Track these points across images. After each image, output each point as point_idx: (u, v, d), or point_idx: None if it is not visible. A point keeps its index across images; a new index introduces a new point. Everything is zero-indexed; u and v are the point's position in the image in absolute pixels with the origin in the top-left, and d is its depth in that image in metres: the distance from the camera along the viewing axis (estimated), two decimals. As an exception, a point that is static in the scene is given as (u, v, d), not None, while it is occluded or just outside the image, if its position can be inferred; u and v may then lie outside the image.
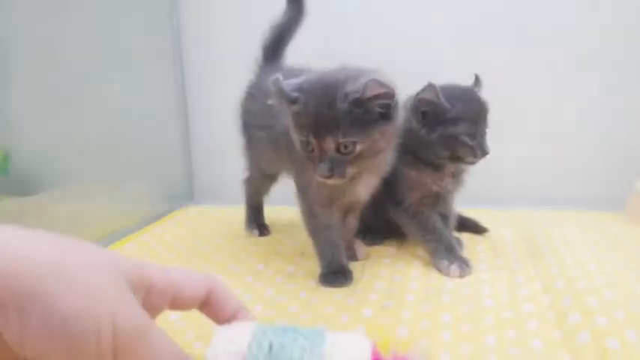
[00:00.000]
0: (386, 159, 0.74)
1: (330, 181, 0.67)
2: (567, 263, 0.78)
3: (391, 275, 0.78)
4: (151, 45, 1.31)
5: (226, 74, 1.32)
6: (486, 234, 0.98)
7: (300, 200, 0.81)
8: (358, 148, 0.65)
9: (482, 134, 0.79)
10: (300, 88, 0.66)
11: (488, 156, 0.79)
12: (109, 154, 1.21)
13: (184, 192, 1.39)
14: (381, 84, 0.63)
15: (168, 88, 1.34)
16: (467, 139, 0.78)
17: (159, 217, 1.19)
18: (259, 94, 0.88)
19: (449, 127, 0.78)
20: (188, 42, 1.34)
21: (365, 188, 0.76)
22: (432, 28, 1.23)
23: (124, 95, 1.24)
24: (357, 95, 0.63)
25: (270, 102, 0.74)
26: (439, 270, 0.79)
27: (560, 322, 0.61)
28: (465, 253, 0.84)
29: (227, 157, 1.17)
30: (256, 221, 1.06)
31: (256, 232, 1.03)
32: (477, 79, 0.83)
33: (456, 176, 0.85)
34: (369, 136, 0.65)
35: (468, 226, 0.99)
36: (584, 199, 1.21)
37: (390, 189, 0.84)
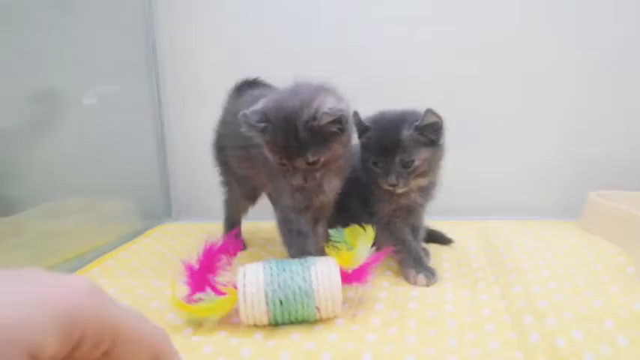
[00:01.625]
0: (344, 161, 0.85)
1: (305, 186, 0.79)
2: (524, 269, 0.84)
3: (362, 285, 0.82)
4: (126, 60, 1.33)
5: (203, 90, 1.34)
6: (452, 244, 1.03)
7: (277, 210, 0.90)
8: (322, 159, 0.77)
9: (390, 164, 0.83)
10: (265, 118, 0.76)
11: (397, 188, 0.84)
12: (85, 171, 1.22)
13: (162, 209, 1.41)
14: (332, 112, 0.73)
15: (143, 104, 1.37)
16: (372, 167, 0.85)
17: (137, 234, 1.21)
18: (233, 119, 0.93)
19: (364, 151, 0.87)
20: (164, 57, 1.36)
21: (330, 187, 0.86)
22: (402, 42, 1.28)
23: (99, 111, 1.25)
24: (314, 124, 0.74)
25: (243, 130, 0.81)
26: (407, 279, 0.84)
27: (515, 324, 0.67)
28: (432, 263, 0.90)
29: (204, 172, 1.20)
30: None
31: None
32: (427, 114, 0.81)
33: (425, 191, 0.90)
34: (330, 149, 0.77)
35: (435, 237, 1.04)
36: (543, 209, 1.29)
37: (364, 201, 0.89)
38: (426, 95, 1.25)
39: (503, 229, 1.14)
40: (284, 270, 0.68)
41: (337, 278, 0.68)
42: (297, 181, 0.78)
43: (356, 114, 0.86)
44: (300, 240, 0.85)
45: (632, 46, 1.22)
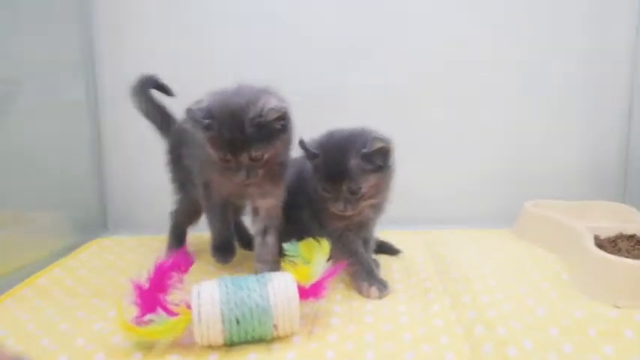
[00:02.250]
0: (282, 167, 0.89)
1: (247, 182, 0.82)
2: (471, 278, 0.87)
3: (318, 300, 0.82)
4: (60, 62, 1.23)
5: None
6: (400, 255, 1.05)
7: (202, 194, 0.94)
8: (266, 156, 0.81)
9: (338, 191, 0.83)
10: (210, 115, 0.79)
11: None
12: (12, 180, 1.13)
13: (97, 221, 1.34)
14: (277, 109, 0.78)
15: (78, 106, 1.28)
16: (322, 192, 0.86)
17: (71, 249, 1.14)
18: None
19: (314, 173, 0.87)
20: (101, 60, 1.29)
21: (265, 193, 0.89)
22: (345, 54, 1.29)
23: (30, 115, 1.16)
24: (261, 120, 0.78)
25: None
26: (359, 292, 0.85)
27: (467, 334, 0.69)
28: (382, 274, 0.91)
29: (141, 184, 1.15)
30: (177, 249, 1.05)
31: None
32: (373, 141, 0.82)
33: (376, 207, 0.90)
34: (274, 146, 0.82)
35: (384, 248, 1.06)
36: (483, 218, 1.33)
37: (315, 213, 0.89)
38: (369, 107, 1.29)
39: (447, 238, 1.18)
40: (240, 287, 0.67)
41: (295, 294, 0.68)
42: (240, 177, 0.81)
43: (302, 142, 0.86)
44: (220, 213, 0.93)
45: (573, 56, 1.30)
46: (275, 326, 0.66)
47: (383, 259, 1.02)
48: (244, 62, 1.27)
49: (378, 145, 0.81)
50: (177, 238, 1.07)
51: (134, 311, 0.67)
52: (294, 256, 0.77)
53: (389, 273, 0.94)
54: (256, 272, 0.86)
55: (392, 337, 0.69)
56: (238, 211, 1.05)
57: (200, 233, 1.10)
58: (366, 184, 0.83)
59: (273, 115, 0.78)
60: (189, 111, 0.79)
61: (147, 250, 1.13)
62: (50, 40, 1.19)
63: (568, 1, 1.29)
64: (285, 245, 0.79)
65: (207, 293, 0.65)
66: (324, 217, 0.89)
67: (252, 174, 0.81)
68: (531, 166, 1.35)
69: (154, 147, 1.07)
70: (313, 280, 0.71)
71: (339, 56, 1.29)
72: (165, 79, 1.06)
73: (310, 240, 0.78)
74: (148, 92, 1.05)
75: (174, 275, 0.70)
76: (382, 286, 0.84)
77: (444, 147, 1.34)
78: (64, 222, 1.21)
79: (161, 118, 1.05)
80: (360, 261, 0.87)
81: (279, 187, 0.89)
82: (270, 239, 0.91)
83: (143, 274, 0.68)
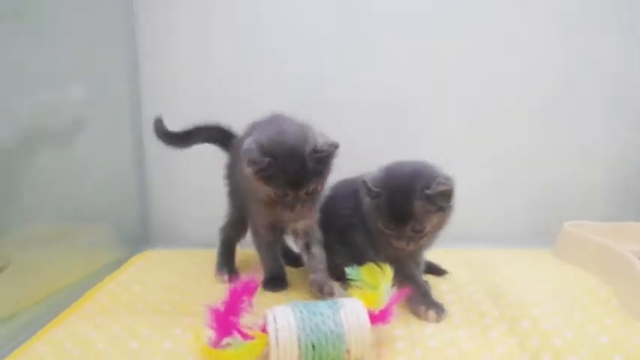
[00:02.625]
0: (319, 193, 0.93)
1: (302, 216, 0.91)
2: (525, 303, 0.89)
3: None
4: (104, 71, 1.24)
5: (185, 102, 1.30)
6: (446, 276, 1.07)
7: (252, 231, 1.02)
8: (319, 188, 0.88)
9: (401, 231, 0.86)
10: (270, 153, 0.83)
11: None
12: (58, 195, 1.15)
13: (139, 235, 1.36)
14: (332, 144, 0.85)
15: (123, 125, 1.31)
16: (382, 228, 0.87)
17: (119, 263, 1.16)
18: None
19: (375, 211, 0.88)
20: (145, 65, 1.31)
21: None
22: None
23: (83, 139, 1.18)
24: (319, 155, 0.85)
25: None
26: (417, 315, 0.86)
27: (534, 362, 0.71)
28: (434, 295, 0.92)
29: (180, 197, 1.17)
30: (227, 265, 1.08)
31: (226, 276, 1.05)
32: (437, 185, 0.83)
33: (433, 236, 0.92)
34: (325, 177, 0.89)
35: (431, 269, 1.07)
36: (514, 236, 1.34)
37: (368, 236, 0.91)
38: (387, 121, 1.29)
39: (485, 258, 1.19)
40: (314, 314, 0.68)
41: (366, 321, 0.69)
42: (298, 208, 0.87)
43: (365, 182, 0.88)
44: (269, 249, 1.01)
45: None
46: (348, 351, 0.68)
47: (430, 280, 1.03)
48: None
49: (442, 188, 0.84)
50: (227, 253, 1.10)
51: (209, 334, 0.69)
52: (356, 281, 0.79)
53: (441, 295, 0.96)
54: (312, 282, 0.95)
55: (459, 364, 0.70)
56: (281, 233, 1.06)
57: (245, 249, 1.12)
58: (430, 224, 0.86)
59: (330, 149, 0.85)
60: (247, 152, 0.83)
61: (192, 264, 1.15)
62: (98, 65, 1.20)
63: (597, 22, 1.29)
64: (348, 270, 0.80)
65: (284, 319, 0.67)
66: (380, 244, 0.91)
67: (305, 206, 0.88)
68: (560, 185, 1.36)
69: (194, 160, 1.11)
70: (381, 306, 0.73)
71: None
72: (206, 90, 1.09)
73: (372, 265, 0.80)
74: (171, 133, 1.07)
75: (245, 299, 0.72)
76: (440, 310, 0.85)
77: (469, 163, 1.33)
78: (110, 236, 1.23)
79: (215, 136, 1.08)
80: (417, 284, 0.89)
81: (314, 210, 0.95)
82: (316, 250, 0.97)
83: (197, 291, 0.69)
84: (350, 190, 0.97)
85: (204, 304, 0.69)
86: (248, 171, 0.84)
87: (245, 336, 0.68)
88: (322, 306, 0.70)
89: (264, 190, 0.86)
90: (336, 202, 1.01)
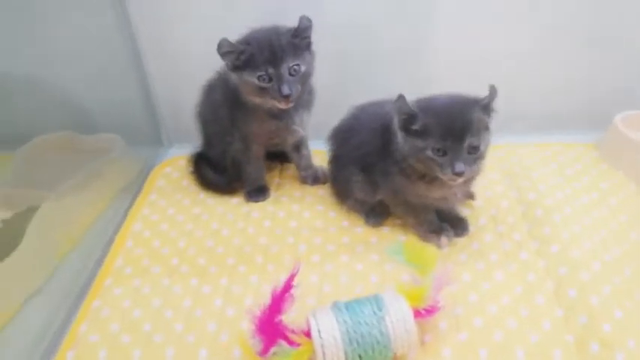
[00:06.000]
0: (310, 93, 0.96)
1: (291, 100, 0.87)
2: (564, 238, 0.89)
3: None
4: None
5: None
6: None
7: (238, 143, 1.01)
8: (302, 68, 0.87)
9: (457, 151, 0.75)
10: (245, 41, 0.86)
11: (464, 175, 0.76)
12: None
13: (152, 138, 1.28)
14: (308, 18, 0.86)
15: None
16: (431, 154, 0.76)
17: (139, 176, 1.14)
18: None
19: (417, 139, 0.77)
20: None
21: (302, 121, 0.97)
22: None
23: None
24: (296, 30, 0.86)
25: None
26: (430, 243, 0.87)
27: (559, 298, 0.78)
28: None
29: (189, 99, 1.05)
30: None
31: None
32: (493, 90, 0.76)
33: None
34: (305, 58, 0.88)
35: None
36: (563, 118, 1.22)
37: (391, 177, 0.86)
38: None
39: (525, 160, 1.12)
40: (359, 323, 0.67)
41: (412, 324, 0.68)
42: (286, 90, 0.85)
43: (402, 97, 0.76)
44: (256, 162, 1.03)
45: None
46: (394, 355, 0.69)
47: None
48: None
49: (495, 96, 0.75)
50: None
51: (256, 343, 0.69)
52: (395, 256, 0.76)
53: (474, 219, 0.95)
54: (303, 178, 1.08)
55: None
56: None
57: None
58: (484, 142, 0.77)
59: (305, 24, 0.86)
60: (223, 41, 0.83)
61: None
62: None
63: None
64: (389, 247, 0.76)
65: (329, 334, 0.66)
66: (414, 190, 0.84)
67: (293, 88, 0.85)
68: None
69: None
70: (427, 303, 0.71)
71: None
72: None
73: (414, 243, 0.76)
74: None
75: (287, 296, 0.70)
76: (449, 233, 0.88)
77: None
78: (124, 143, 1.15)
79: None
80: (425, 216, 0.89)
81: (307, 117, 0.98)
82: (304, 150, 1.06)
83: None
84: (375, 124, 0.87)
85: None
86: (227, 71, 0.88)
87: (291, 342, 0.68)
88: (367, 311, 0.68)
89: (247, 86, 0.87)
90: (360, 133, 0.91)
